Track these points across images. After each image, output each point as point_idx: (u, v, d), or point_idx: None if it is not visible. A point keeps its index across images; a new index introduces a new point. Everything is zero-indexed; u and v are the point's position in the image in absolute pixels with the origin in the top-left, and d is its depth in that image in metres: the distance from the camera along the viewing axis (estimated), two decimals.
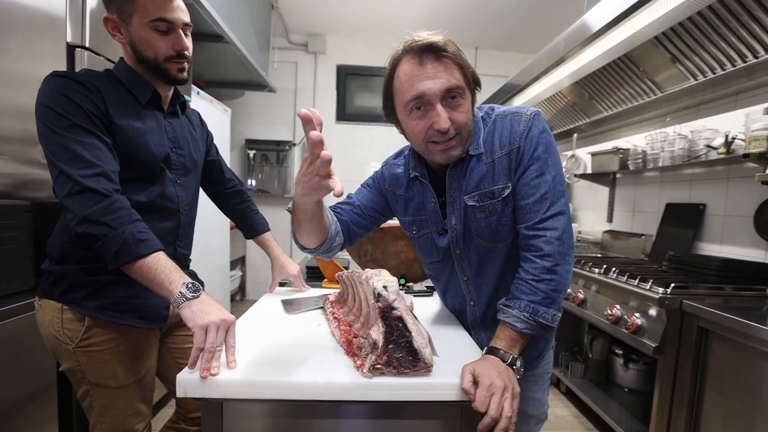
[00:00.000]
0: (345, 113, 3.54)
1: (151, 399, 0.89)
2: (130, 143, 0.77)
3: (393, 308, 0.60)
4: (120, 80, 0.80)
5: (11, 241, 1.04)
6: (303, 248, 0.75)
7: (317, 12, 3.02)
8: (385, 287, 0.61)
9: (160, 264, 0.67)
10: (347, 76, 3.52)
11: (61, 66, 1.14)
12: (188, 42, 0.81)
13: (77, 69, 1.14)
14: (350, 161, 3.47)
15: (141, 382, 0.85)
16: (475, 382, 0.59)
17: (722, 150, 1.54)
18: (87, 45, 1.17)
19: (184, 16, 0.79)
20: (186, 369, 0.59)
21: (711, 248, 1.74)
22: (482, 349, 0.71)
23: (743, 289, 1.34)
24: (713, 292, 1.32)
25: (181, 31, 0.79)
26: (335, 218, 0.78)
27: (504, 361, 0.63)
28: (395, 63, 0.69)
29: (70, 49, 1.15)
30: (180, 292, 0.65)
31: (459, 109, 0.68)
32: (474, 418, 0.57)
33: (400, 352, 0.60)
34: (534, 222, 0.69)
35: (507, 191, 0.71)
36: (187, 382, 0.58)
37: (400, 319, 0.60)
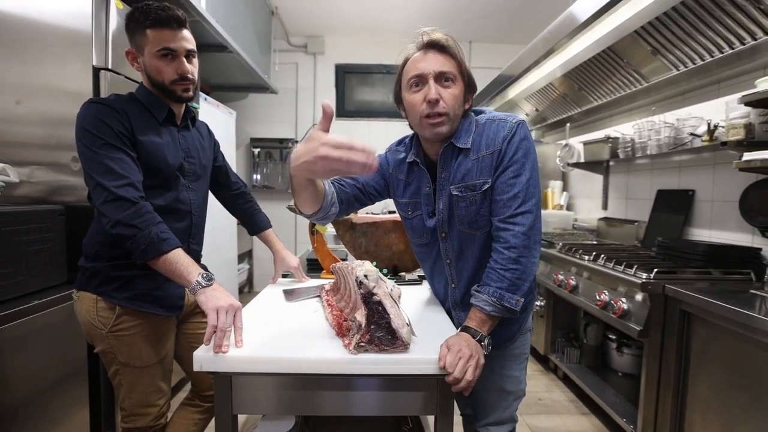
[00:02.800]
0: (344, 109, 3.64)
1: (170, 379, 1.01)
2: (150, 156, 0.89)
3: (373, 294, 0.69)
4: (141, 102, 0.92)
5: (48, 242, 1.18)
6: (301, 213, 0.83)
7: (315, 15, 3.10)
8: (366, 276, 0.70)
9: (179, 259, 0.80)
10: (345, 74, 3.61)
11: (88, 84, 1.32)
12: (192, 66, 0.92)
13: (101, 87, 1.33)
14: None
15: (162, 362, 0.97)
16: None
17: (706, 138, 1.56)
18: (109, 66, 1.34)
19: (188, 44, 0.90)
20: (202, 346, 0.70)
21: (701, 233, 1.76)
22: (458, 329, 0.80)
23: (729, 274, 1.36)
24: (700, 276, 1.35)
25: (184, 58, 0.90)
26: (332, 189, 0.86)
27: (474, 338, 0.73)
28: (407, 56, 0.82)
29: (96, 71, 1.32)
30: (196, 281, 0.77)
31: (449, 91, 0.79)
32: (449, 391, 0.67)
33: (381, 331, 0.69)
34: (505, 216, 0.79)
35: (486, 186, 0.81)
36: (203, 358, 0.68)
37: (380, 303, 0.69)
